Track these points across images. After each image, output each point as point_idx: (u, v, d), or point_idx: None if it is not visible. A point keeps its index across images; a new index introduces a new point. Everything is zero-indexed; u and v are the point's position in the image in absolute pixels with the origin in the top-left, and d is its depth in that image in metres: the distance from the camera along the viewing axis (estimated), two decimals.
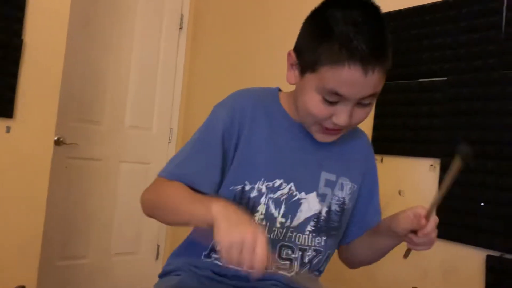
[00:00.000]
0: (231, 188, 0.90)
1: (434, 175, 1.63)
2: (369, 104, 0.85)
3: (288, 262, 0.92)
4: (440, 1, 1.66)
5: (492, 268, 1.44)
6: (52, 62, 1.93)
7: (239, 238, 0.68)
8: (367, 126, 1.85)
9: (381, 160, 1.81)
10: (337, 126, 0.85)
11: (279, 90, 1.01)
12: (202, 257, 0.93)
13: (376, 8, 0.82)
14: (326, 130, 0.88)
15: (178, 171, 0.89)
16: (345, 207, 0.98)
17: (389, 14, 1.81)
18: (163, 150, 2.74)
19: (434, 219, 0.84)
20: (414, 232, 0.86)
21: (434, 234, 0.84)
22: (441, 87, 1.63)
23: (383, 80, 0.82)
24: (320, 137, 0.90)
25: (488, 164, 1.48)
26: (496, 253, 1.44)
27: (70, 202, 2.41)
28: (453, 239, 1.55)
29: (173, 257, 0.99)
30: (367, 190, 1.04)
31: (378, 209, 1.05)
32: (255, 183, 0.90)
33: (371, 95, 0.82)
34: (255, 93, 0.98)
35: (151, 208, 0.89)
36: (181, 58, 2.88)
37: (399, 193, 1.74)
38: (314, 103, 0.83)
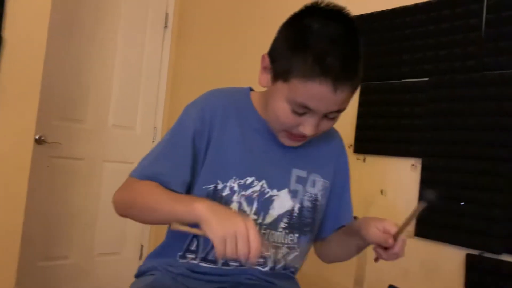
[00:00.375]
0: (203, 187, 0.91)
1: (416, 174, 1.65)
2: (336, 117, 0.88)
3: (261, 260, 0.93)
4: (421, 2, 1.68)
5: (472, 266, 1.46)
6: (33, 59, 1.90)
7: (232, 230, 0.71)
8: (350, 125, 1.86)
9: (364, 160, 1.82)
10: (303, 134, 0.87)
11: (251, 90, 1.02)
12: (177, 257, 0.93)
13: (353, 23, 0.83)
14: (292, 136, 0.90)
15: (149, 171, 0.90)
16: (318, 203, 0.99)
17: (372, 15, 1.82)
18: (147, 150, 2.59)
19: (402, 241, 0.86)
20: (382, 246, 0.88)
21: (401, 253, 0.87)
22: (423, 87, 1.65)
23: (351, 96, 0.85)
24: (286, 142, 0.92)
25: (468, 164, 1.50)
26: (475, 252, 1.46)
27: (52, 201, 2.37)
28: (434, 238, 1.57)
29: (149, 258, 1.00)
30: (340, 186, 1.06)
31: (350, 205, 1.08)
32: (227, 182, 0.91)
33: (338, 111, 0.85)
34: (226, 93, 0.99)
35: (126, 208, 0.90)
36: (166, 57, 2.86)
37: (381, 192, 1.75)
38: (283, 112, 0.85)
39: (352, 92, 0.83)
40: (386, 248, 0.87)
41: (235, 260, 0.87)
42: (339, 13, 0.83)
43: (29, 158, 1.91)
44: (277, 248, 0.94)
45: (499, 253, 1.40)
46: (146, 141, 2.75)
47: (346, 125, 1.89)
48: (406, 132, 1.68)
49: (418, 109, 1.66)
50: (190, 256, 0.92)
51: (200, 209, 0.75)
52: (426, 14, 1.66)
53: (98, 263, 2.58)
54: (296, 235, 0.96)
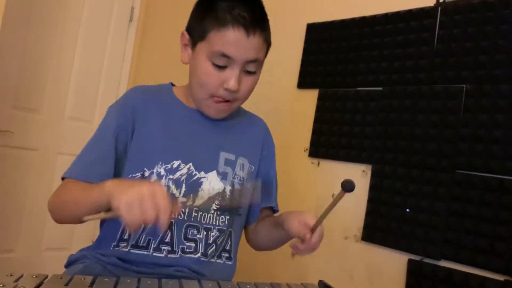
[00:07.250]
0: (130, 176, 0.92)
1: (365, 180, 1.69)
2: (255, 73, 0.93)
3: (193, 244, 0.94)
4: (379, 14, 1.73)
5: (412, 271, 1.51)
6: None
7: (136, 194, 0.68)
8: (307, 130, 1.90)
9: (318, 164, 1.86)
10: (228, 93, 0.91)
11: (173, 85, 1.07)
12: (111, 248, 0.93)
13: None
14: (219, 102, 0.94)
15: (72, 170, 0.91)
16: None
17: (332, 23, 1.87)
18: None
19: (319, 233, 0.88)
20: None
21: (316, 245, 0.88)
22: (376, 97, 1.70)
23: (264, 49, 0.93)
24: (213, 111, 0.97)
25: (413, 172, 1.55)
26: (417, 257, 1.52)
27: (0, 192, 2.29)
28: (379, 243, 1.62)
29: (81, 250, 0.99)
30: (264, 171, 1.10)
31: (272, 195, 1.12)
32: (153, 168, 0.93)
33: (255, 60, 0.91)
34: (147, 88, 1.03)
35: (57, 211, 0.90)
36: (129, 52, 2.82)
37: (333, 196, 1.79)
38: (205, 70, 0.90)
39: (264, 42, 0.91)
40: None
41: (153, 234, 0.88)
42: None
43: None
44: (208, 230, 0.96)
45: (438, 259, 1.46)
46: None
47: (303, 129, 1.92)
48: (357, 139, 1.73)
49: (370, 117, 1.70)
50: (122, 245, 0.92)
51: (108, 185, 0.74)
52: (382, 26, 1.72)
53: (45, 258, 2.50)
54: (227, 216, 0.99)
